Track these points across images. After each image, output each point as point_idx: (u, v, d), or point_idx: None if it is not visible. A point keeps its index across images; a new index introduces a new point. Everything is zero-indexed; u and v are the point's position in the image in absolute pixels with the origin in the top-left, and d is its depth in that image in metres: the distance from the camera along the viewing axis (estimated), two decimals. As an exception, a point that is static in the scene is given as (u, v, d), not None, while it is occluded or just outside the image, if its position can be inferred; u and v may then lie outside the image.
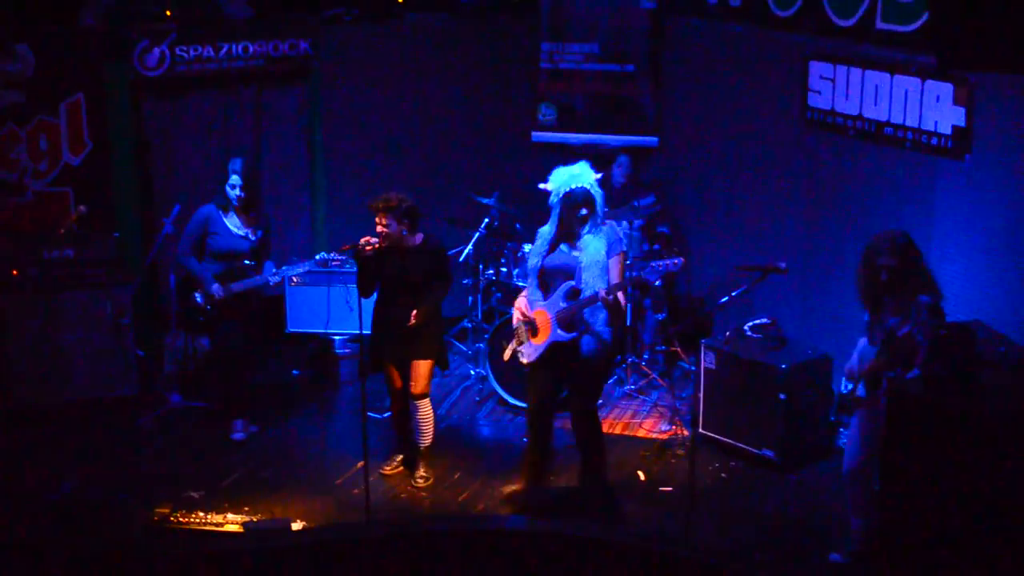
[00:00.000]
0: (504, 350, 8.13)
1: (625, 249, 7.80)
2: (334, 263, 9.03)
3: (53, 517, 7.82)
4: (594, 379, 7.86)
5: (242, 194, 8.67)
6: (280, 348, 10.55)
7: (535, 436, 7.98)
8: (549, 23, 11.24)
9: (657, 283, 8.07)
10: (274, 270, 8.87)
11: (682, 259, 7.54)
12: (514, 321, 7.92)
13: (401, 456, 8.61)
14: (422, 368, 8.24)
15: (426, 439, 8.42)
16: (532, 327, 7.76)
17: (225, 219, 8.71)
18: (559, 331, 7.62)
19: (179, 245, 8.85)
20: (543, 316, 7.69)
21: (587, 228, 7.60)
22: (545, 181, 7.78)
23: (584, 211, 7.57)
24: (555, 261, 7.69)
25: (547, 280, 7.75)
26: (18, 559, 6.07)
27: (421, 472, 8.45)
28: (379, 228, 7.98)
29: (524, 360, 7.89)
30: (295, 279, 9.96)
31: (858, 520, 7.14)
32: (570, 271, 7.61)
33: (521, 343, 7.88)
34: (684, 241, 10.84)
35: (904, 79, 8.20)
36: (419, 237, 8.16)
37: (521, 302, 7.89)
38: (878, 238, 6.83)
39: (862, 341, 7.03)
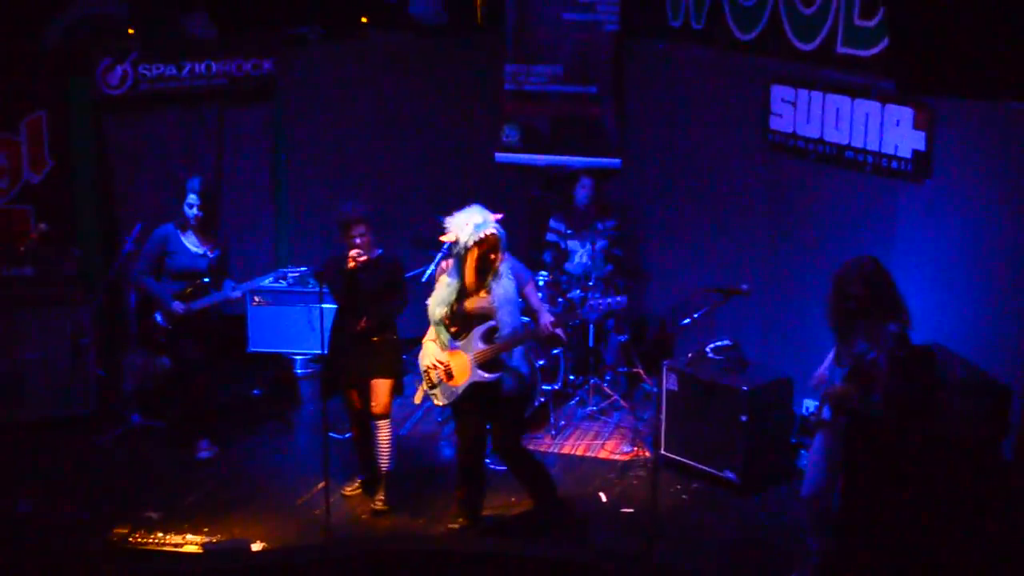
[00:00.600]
0: (416, 392, 8.13)
1: (533, 277, 7.83)
2: (294, 280, 8.99)
3: (9, 536, 7.76)
4: (517, 415, 7.94)
5: (200, 213, 8.65)
6: (241, 368, 10.50)
7: (467, 474, 7.97)
8: (513, 44, 11.26)
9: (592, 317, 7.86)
10: (233, 285, 8.84)
11: (625, 298, 7.49)
12: (422, 365, 7.85)
13: (361, 479, 8.56)
14: (382, 387, 8.20)
15: (385, 462, 8.31)
16: (447, 371, 7.72)
17: (183, 238, 8.69)
18: (480, 372, 7.60)
19: (136, 265, 8.81)
20: (460, 358, 7.65)
21: (501, 271, 7.53)
22: (443, 232, 7.66)
23: (493, 256, 7.49)
24: (472, 305, 7.62)
25: (457, 324, 7.70)
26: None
27: (380, 496, 8.39)
28: (357, 239, 7.96)
29: (439, 402, 7.88)
30: (257, 299, 9.92)
31: (816, 542, 7.15)
32: (485, 313, 7.58)
33: (434, 386, 7.83)
34: (639, 264, 10.86)
35: (865, 103, 8.26)
36: (378, 251, 8.16)
37: (431, 347, 7.77)
38: (846, 266, 6.82)
39: (831, 354, 7.05)
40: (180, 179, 10.40)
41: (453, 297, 7.60)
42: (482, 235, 7.43)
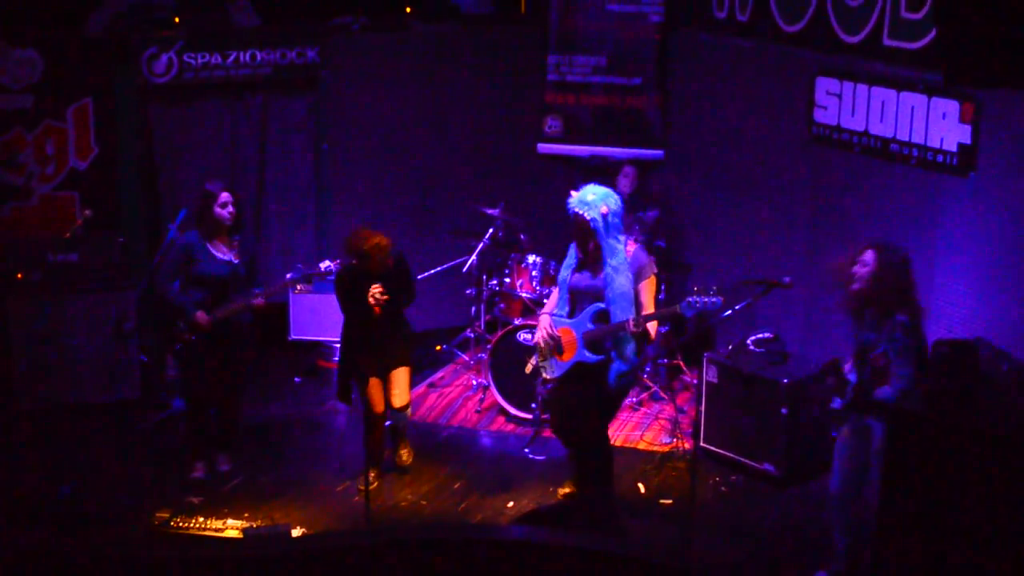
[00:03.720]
0: (526, 363, 8.08)
1: (655, 272, 7.69)
2: (328, 276, 8.86)
3: (52, 520, 7.83)
4: (613, 404, 7.88)
5: (234, 210, 8.30)
6: (282, 355, 10.56)
7: (571, 448, 8.06)
8: (557, 35, 11.25)
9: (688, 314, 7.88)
10: (258, 292, 8.42)
11: (722, 299, 7.40)
12: (537, 336, 7.86)
13: (375, 472, 8.52)
14: (404, 376, 8.36)
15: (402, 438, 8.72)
16: (558, 345, 7.74)
17: (209, 246, 8.32)
18: (585, 352, 7.60)
19: (159, 274, 8.49)
20: (569, 335, 7.67)
21: (605, 258, 7.51)
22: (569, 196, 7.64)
23: (591, 244, 7.51)
24: (581, 283, 7.66)
25: (573, 297, 7.73)
26: (16, 562, 6.06)
27: (403, 453, 8.69)
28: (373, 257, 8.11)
29: (547, 376, 7.88)
30: (299, 287, 9.96)
31: (843, 539, 7.12)
32: (598, 293, 7.57)
33: (544, 359, 7.86)
34: (684, 256, 10.83)
35: (911, 96, 8.21)
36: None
37: (546, 319, 7.83)
38: (867, 242, 6.82)
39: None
40: (222, 168, 10.55)
41: (573, 264, 7.69)
42: (575, 212, 7.48)
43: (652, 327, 7.60)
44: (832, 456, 7.11)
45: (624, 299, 7.49)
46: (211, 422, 8.70)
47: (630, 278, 7.51)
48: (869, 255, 6.74)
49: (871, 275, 6.72)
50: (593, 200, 7.46)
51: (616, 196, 7.58)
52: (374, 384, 8.31)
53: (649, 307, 7.59)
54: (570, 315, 7.72)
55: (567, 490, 8.28)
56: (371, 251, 8.02)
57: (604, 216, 7.44)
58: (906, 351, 6.57)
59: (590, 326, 7.58)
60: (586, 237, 7.51)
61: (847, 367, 6.98)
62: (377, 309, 8.01)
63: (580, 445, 7.97)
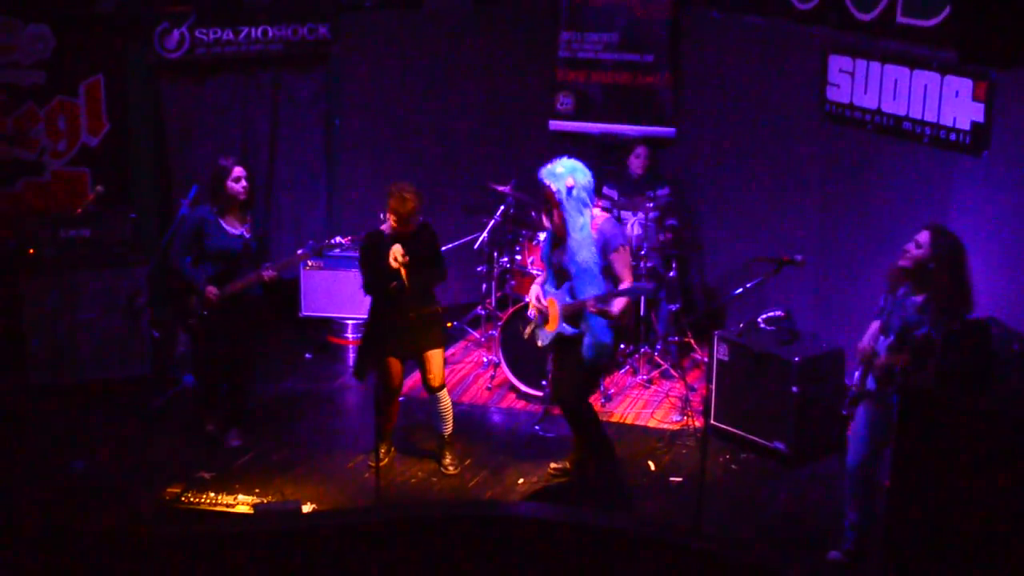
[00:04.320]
0: (524, 328, 8.19)
1: (624, 243, 7.64)
2: (339, 250, 8.81)
3: (64, 496, 7.86)
4: (587, 379, 7.90)
5: (247, 184, 8.33)
6: (293, 332, 10.58)
7: (570, 423, 8.08)
8: (568, 12, 11.22)
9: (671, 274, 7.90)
10: (268, 266, 8.42)
11: (653, 285, 7.43)
12: (530, 307, 7.96)
13: (384, 448, 8.51)
14: (437, 358, 8.27)
15: (448, 427, 8.43)
16: (544, 315, 7.78)
17: (221, 221, 8.34)
18: (564, 324, 7.66)
19: (172, 249, 8.47)
20: (553, 307, 7.72)
21: (568, 231, 7.54)
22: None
23: (556, 216, 7.57)
24: (555, 257, 7.72)
25: (555, 270, 7.78)
26: (28, 538, 6.10)
27: (448, 460, 8.47)
28: (393, 222, 8.01)
29: (539, 344, 7.97)
30: (310, 263, 9.96)
31: (854, 515, 7.13)
32: (566, 267, 7.63)
33: (535, 328, 7.94)
34: (695, 234, 10.82)
35: (924, 74, 8.18)
36: (420, 219, 8.21)
37: (535, 289, 7.91)
38: (928, 224, 6.79)
39: (874, 325, 7.00)
40: (234, 143, 10.55)
41: (548, 240, 7.78)
42: (542, 182, 7.55)
43: (619, 304, 7.58)
44: (845, 433, 7.13)
45: (587, 274, 7.53)
46: (223, 397, 8.73)
47: (594, 252, 7.52)
48: (924, 235, 6.70)
49: (926, 255, 6.66)
50: (561, 172, 7.52)
51: (587, 171, 7.61)
52: (390, 363, 8.29)
53: (626, 278, 7.58)
54: (556, 287, 7.77)
55: (559, 465, 8.33)
56: (394, 191, 7.99)
57: (569, 189, 7.48)
58: (952, 334, 6.50)
59: (567, 299, 7.64)
60: (550, 208, 7.60)
61: (868, 345, 6.96)
62: (403, 271, 7.91)
63: (565, 416, 8.05)
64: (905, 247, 6.74)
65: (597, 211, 7.71)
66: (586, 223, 7.53)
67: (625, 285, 7.57)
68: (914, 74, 8.27)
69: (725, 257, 10.63)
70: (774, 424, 8.50)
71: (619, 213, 10.28)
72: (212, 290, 8.28)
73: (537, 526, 6.30)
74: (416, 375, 8.92)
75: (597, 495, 8.01)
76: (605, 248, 7.54)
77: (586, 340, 7.64)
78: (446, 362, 8.71)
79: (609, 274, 7.58)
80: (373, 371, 8.32)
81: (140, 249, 9.75)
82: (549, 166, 7.59)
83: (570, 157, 7.70)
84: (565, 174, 7.51)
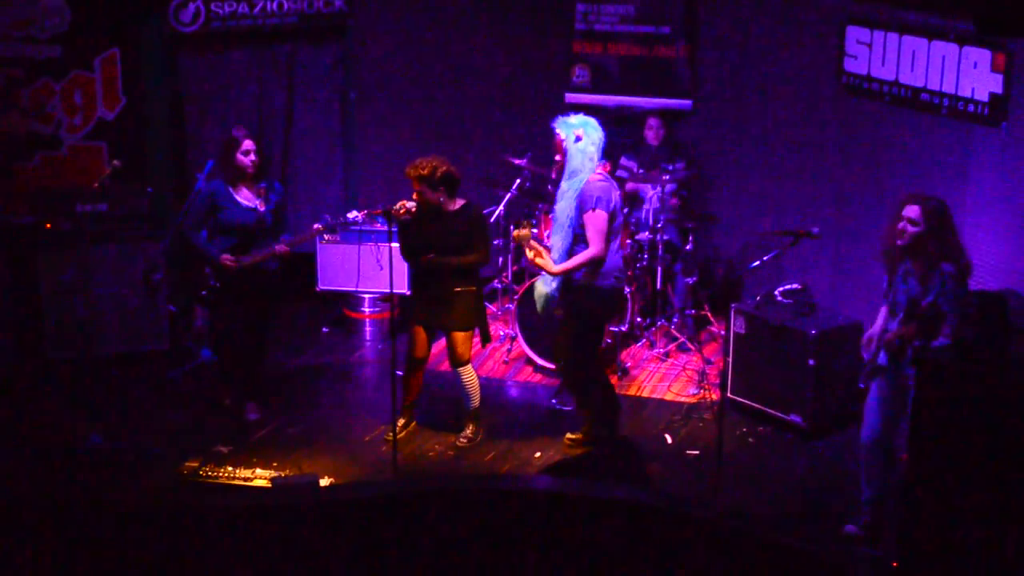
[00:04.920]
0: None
1: (599, 208, 7.61)
2: (353, 226, 8.79)
3: (82, 469, 7.90)
4: (575, 332, 7.93)
5: (256, 159, 8.31)
6: (310, 306, 10.60)
7: (571, 389, 8.27)
8: (586, -17, 11.17)
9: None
10: (287, 239, 8.44)
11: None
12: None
13: (404, 420, 8.52)
14: (458, 339, 8.24)
15: (475, 401, 8.42)
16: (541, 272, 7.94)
17: (235, 193, 8.33)
18: (548, 280, 7.86)
19: (187, 221, 8.47)
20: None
21: (562, 183, 7.74)
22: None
23: (557, 157, 7.76)
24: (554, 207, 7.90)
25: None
26: (46, 511, 6.13)
27: (468, 432, 8.47)
28: (414, 195, 7.99)
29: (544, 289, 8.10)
30: (327, 237, 9.96)
31: (870, 490, 7.11)
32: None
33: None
34: (709, 208, 10.77)
35: (942, 45, 8.13)
36: (458, 203, 8.13)
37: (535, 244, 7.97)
38: (909, 198, 6.75)
39: (883, 310, 6.99)
40: (251, 117, 10.54)
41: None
42: (556, 129, 7.74)
43: (577, 259, 7.66)
44: (862, 406, 7.11)
45: (559, 227, 7.70)
46: (240, 371, 8.74)
47: (572, 206, 7.63)
48: (914, 211, 6.64)
49: (923, 230, 6.62)
50: (573, 123, 7.73)
51: (599, 128, 7.76)
52: (417, 332, 8.31)
53: (592, 242, 7.60)
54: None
55: (575, 436, 8.39)
56: (414, 171, 8.00)
57: (577, 138, 7.66)
58: (957, 300, 6.49)
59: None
60: (555, 152, 7.77)
61: (876, 333, 6.95)
62: (403, 213, 7.90)
63: (566, 384, 8.40)
64: (899, 227, 6.67)
65: (599, 173, 7.75)
66: (582, 177, 7.65)
67: (576, 254, 7.66)
68: (932, 45, 8.22)
69: (743, 229, 10.60)
70: (791, 397, 8.49)
71: (638, 187, 10.26)
72: (227, 257, 8.28)
73: (553, 499, 6.31)
74: (441, 349, 8.96)
75: (614, 468, 8.01)
76: (582, 206, 7.62)
77: (567, 294, 7.84)
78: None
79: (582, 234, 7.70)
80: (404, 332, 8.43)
81: (157, 223, 9.77)
82: (563, 117, 7.79)
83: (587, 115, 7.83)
84: (577, 125, 7.70)
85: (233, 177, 8.32)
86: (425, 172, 7.94)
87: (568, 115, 7.80)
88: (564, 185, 7.70)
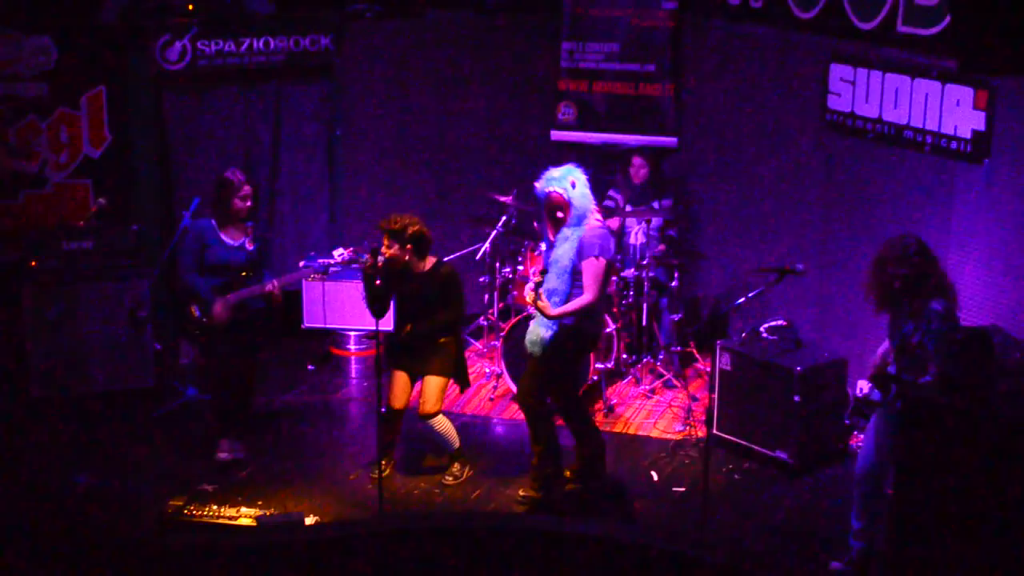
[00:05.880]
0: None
1: (599, 256, 7.73)
2: (334, 266, 8.78)
3: (66, 508, 7.86)
4: (537, 373, 7.98)
5: (251, 204, 8.39)
6: (295, 344, 10.58)
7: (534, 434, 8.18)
8: (570, 22, 11.22)
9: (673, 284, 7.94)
10: (271, 279, 8.40)
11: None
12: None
13: (385, 461, 8.45)
14: (432, 384, 8.22)
15: (454, 443, 8.42)
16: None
17: (221, 232, 8.37)
18: (543, 320, 7.85)
19: (180, 262, 8.49)
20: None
21: (564, 230, 7.75)
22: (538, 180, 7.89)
23: (560, 214, 7.73)
24: (547, 258, 7.88)
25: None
26: (30, 549, 6.09)
27: (455, 470, 8.46)
28: (383, 248, 8.01)
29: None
30: (312, 275, 9.95)
31: (859, 523, 7.11)
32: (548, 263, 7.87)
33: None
34: (695, 245, 10.80)
35: (925, 83, 8.18)
36: (429, 263, 8.19)
37: (530, 283, 8.02)
38: (889, 246, 6.75)
39: (885, 344, 7.00)
40: (237, 155, 10.55)
41: (546, 245, 7.94)
42: (548, 190, 7.73)
43: (571, 306, 7.72)
44: (848, 442, 7.12)
45: (557, 269, 7.74)
46: (229, 407, 8.71)
47: (572, 252, 7.69)
48: (906, 251, 6.67)
49: (909, 268, 6.64)
50: (559, 176, 7.76)
51: (582, 173, 7.83)
52: (397, 376, 8.30)
53: (588, 289, 7.69)
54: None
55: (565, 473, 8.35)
56: (385, 224, 8.06)
57: (573, 185, 7.74)
58: (942, 338, 6.50)
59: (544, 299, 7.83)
60: (556, 209, 7.75)
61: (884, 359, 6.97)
62: (368, 262, 7.87)
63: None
64: (891, 272, 6.68)
65: (597, 219, 7.83)
66: (587, 221, 7.75)
67: (575, 298, 7.72)
68: (915, 83, 8.27)
69: (728, 266, 10.63)
70: (777, 433, 8.49)
71: (624, 222, 10.27)
72: (219, 309, 8.28)
73: (538, 537, 6.29)
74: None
75: (600, 506, 8.00)
76: (581, 252, 7.69)
77: (544, 335, 7.85)
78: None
79: (579, 279, 7.74)
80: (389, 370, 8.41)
81: (143, 261, 9.75)
82: (545, 175, 7.80)
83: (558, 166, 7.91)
84: (564, 175, 7.76)
85: (226, 219, 8.34)
86: (395, 227, 8.02)
87: (545, 172, 7.84)
88: (567, 231, 7.73)
